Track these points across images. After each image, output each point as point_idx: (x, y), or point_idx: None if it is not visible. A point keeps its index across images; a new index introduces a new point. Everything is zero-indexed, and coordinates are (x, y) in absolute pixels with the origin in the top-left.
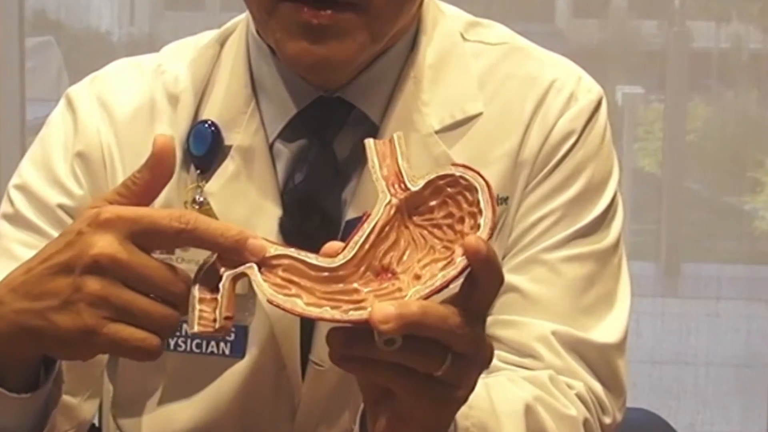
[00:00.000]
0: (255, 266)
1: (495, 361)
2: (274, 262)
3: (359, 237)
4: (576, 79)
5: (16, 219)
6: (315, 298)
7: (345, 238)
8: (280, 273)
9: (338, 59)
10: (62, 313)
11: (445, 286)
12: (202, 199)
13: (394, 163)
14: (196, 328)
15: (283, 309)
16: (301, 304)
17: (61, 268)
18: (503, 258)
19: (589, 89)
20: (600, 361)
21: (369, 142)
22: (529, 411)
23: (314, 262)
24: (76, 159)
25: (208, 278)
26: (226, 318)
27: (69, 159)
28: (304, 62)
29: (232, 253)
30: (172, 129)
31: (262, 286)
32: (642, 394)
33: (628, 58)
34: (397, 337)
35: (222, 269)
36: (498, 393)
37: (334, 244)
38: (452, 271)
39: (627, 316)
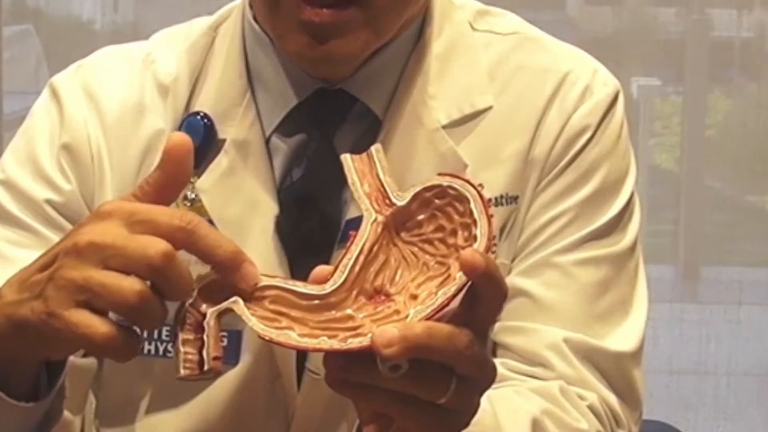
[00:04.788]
0: (240, 300)
1: (503, 371)
2: (260, 293)
3: (348, 260)
4: (591, 71)
5: (2, 216)
6: (308, 328)
7: (344, 238)
8: (268, 305)
9: (341, 55)
10: (37, 300)
11: (447, 304)
12: (193, 195)
13: (376, 178)
14: (182, 372)
15: (277, 343)
16: (295, 336)
17: (49, 259)
18: (512, 260)
19: (605, 82)
20: (615, 370)
21: (346, 158)
22: (536, 425)
23: (303, 290)
24: (63, 152)
25: (190, 317)
26: (215, 359)
27: (55, 152)
28: (307, 58)
29: (224, 269)
30: (163, 121)
31: (252, 320)
32: (659, 406)
33: (643, 47)
34: (402, 362)
35: (204, 306)
36: (503, 406)
37: (322, 269)
38: (452, 288)
39: (644, 323)
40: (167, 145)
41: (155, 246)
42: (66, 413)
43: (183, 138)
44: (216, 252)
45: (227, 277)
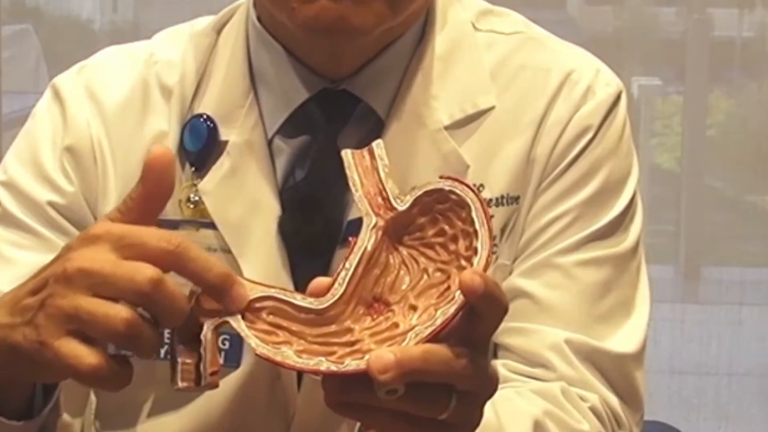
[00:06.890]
0: (238, 314)
1: (504, 372)
2: (258, 305)
3: (347, 272)
4: (594, 71)
5: (3, 218)
6: (306, 343)
7: (347, 238)
8: (265, 317)
9: (356, 22)
10: (28, 327)
11: (446, 325)
12: (197, 198)
13: (378, 180)
14: (180, 384)
15: (274, 363)
16: (292, 356)
17: (40, 283)
18: (513, 261)
19: (608, 82)
20: (616, 372)
21: (347, 153)
22: (538, 427)
23: (301, 303)
24: (65, 153)
25: (188, 328)
26: (212, 374)
27: (57, 154)
28: (322, 21)
29: (213, 291)
30: (166, 122)
31: (249, 337)
32: (660, 407)
33: (644, 47)
34: (398, 386)
35: (201, 318)
36: (505, 408)
37: (321, 282)
38: (451, 308)
39: (645, 324)
40: (147, 158)
41: (143, 272)
42: (65, 416)
43: (163, 150)
44: (206, 275)
45: (217, 300)
